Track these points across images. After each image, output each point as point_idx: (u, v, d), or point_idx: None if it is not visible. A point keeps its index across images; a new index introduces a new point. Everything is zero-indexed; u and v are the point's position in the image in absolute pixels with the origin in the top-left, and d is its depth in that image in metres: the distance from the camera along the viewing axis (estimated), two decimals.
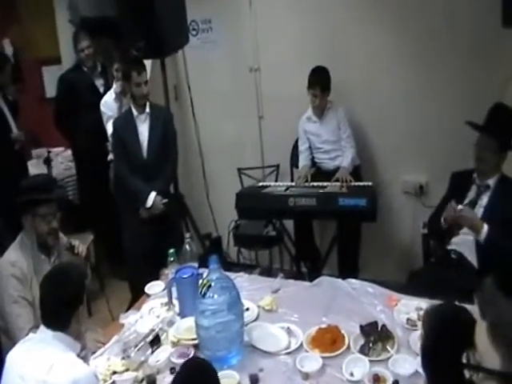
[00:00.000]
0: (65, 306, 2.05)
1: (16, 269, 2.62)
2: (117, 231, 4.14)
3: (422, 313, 2.37)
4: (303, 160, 4.21)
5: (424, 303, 2.45)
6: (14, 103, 4.96)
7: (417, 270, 3.25)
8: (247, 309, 2.64)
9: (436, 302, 2.38)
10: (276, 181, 4.45)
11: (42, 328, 2.05)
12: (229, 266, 4.20)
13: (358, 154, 4.08)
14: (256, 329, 2.52)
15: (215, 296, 2.31)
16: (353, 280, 2.79)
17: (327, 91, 3.97)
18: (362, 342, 2.29)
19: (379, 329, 2.31)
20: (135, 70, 3.83)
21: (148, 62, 4.15)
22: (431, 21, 3.82)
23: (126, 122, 3.97)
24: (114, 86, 4.44)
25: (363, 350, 2.23)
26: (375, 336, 2.26)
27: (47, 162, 4.86)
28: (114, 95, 4.42)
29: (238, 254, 4.59)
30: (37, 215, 2.71)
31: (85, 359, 2.18)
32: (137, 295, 3.34)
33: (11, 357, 2.06)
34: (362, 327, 2.34)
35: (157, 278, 3.09)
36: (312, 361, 2.23)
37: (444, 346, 1.45)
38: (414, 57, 3.93)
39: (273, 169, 4.56)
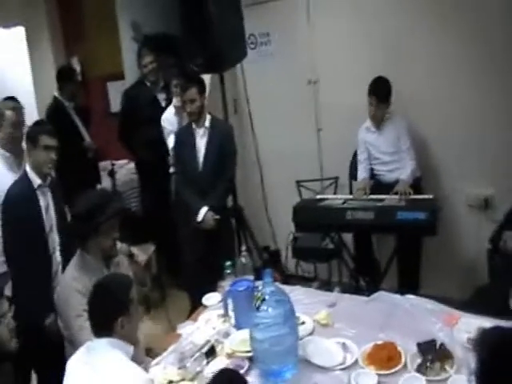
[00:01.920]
0: (104, 315, 2.12)
1: (78, 283, 2.62)
2: (177, 243, 4.21)
3: None
4: (362, 171, 4.17)
5: (487, 322, 2.35)
6: (85, 113, 5.18)
7: (482, 287, 3.14)
8: (302, 322, 2.62)
9: (499, 321, 2.34)
10: (335, 193, 4.42)
11: (95, 339, 2.12)
12: (287, 278, 4.21)
13: (419, 165, 4.00)
14: (311, 343, 2.49)
15: (269, 309, 2.30)
16: (411, 296, 2.71)
17: (384, 102, 3.93)
18: (419, 360, 2.22)
19: (437, 347, 2.24)
20: (181, 87, 3.95)
21: (207, 77, 4.23)
22: (491, 31, 3.74)
23: (185, 135, 4.06)
24: (174, 100, 4.52)
25: (420, 369, 2.16)
26: (433, 355, 2.19)
27: (111, 174, 5.03)
28: (173, 110, 4.51)
29: (296, 266, 4.57)
30: (99, 234, 2.69)
31: (145, 370, 2.22)
32: (195, 304, 3.40)
33: (71, 366, 2.14)
34: (419, 345, 2.27)
35: (214, 289, 3.12)
36: (367, 377, 2.18)
37: (500, 372, 1.40)
38: (475, 67, 3.85)
39: (331, 181, 4.53)
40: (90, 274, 2.66)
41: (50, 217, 3.12)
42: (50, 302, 2.97)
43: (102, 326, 2.10)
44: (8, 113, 3.62)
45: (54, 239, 3.15)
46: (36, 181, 3.07)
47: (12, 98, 4.12)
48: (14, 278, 3.07)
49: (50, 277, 3.12)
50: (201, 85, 3.97)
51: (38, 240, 3.06)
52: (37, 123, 3.24)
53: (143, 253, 3.24)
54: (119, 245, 2.93)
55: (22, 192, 3.05)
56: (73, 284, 2.63)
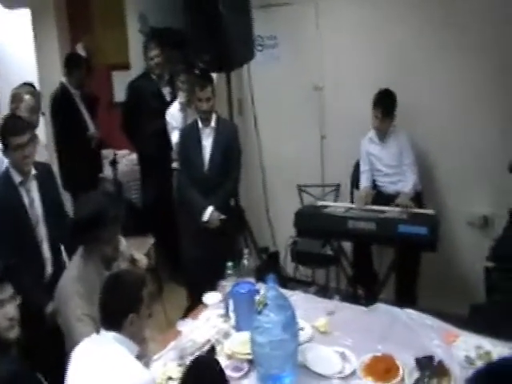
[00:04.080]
0: (116, 309, 2.12)
1: (79, 286, 2.58)
2: (177, 236, 4.23)
3: (481, 352, 2.34)
4: (364, 181, 4.19)
5: (485, 341, 2.41)
6: (92, 101, 5.20)
7: (479, 305, 3.19)
8: (302, 328, 2.65)
9: (497, 340, 2.39)
10: (335, 200, 4.45)
11: (103, 331, 2.13)
12: (285, 281, 4.24)
13: (421, 180, 4.03)
14: (310, 350, 2.53)
15: (271, 314, 2.33)
16: (410, 310, 2.75)
17: (389, 116, 3.95)
18: (416, 375, 2.26)
19: (435, 364, 2.28)
20: (199, 84, 3.90)
21: (214, 75, 4.23)
22: (497, 44, 3.77)
23: (190, 134, 4.05)
24: (179, 96, 4.53)
25: None
26: (431, 371, 2.24)
27: (113, 163, 5.04)
28: (179, 106, 4.51)
29: (294, 269, 4.59)
30: (100, 241, 2.64)
31: (146, 366, 2.24)
32: (193, 302, 3.43)
33: (74, 357, 2.15)
34: (417, 360, 2.32)
35: (214, 288, 3.14)
36: None
37: None
38: (480, 82, 3.88)
39: (333, 188, 4.56)
40: (91, 276, 2.63)
41: (35, 211, 3.12)
42: (45, 292, 3.01)
43: (112, 319, 2.11)
44: (26, 97, 3.67)
45: (41, 230, 3.15)
46: (17, 178, 3.07)
47: (30, 84, 4.12)
48: (5, 271, 3.08)
49: (40, 269, 3.14)
50: (213, 83, 3.98)
51: (24, 235, 3.06)
52: (4, 122, 3.17)
53: (143, 246, 3.21)
54: (122, 247, 2.90)
55: (4, 191, 3.06)
56: (74, 286, 2.59)
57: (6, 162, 3.19)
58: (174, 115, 4.52)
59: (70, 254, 2.95)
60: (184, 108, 4.46)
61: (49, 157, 5.10)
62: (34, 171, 3.14)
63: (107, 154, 5.47)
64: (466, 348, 2.41)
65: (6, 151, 3.07)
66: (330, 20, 4.48)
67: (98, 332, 2.17)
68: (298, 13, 4.61)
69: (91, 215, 2.59)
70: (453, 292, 4.02)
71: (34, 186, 3.15)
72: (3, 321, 2.17)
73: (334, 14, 4.46)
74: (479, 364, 2.25)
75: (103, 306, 2.15)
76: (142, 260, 3.08)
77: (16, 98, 3.73)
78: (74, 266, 2.72)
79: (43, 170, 3.24)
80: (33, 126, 3.70)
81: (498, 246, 3.16)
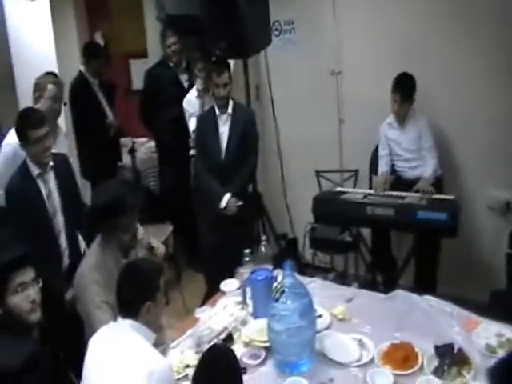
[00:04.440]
0: (133, 297, 2.13)
1: (97, 274, 2.59)
2: (195, 224, 4.24)
3: (502, 339, 2.30)
4: (383, 165, 4.15)
5: (506, 329, 2.37)
6: (110, 90, 5.21)
7: (500, 291, 3.14)
8: (320, 316, 2.64)
9: None
10: (354, 186, 4.41)
11: (120, 319, 2.14)
12: (304, 267, 4.23)
13: (441, 164, 3.97)
14: (328, 337, 2.52)
15: (288, 302, 2.33)
16: (430, 297, 2.72)
17: (408, 100, 3.89)
18: (436, 363, 2.23)
19: (455, 352, 2.25)
20: (216, 71, 3.88)
21: (231, 62, 4.21)
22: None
23: (207, 121, 4.05)
24: (197, 83, 4.51)
25: (437, 372, 2.17)
26: (450, 359, 2.20)
27: (131, 151, 5.06)
28: (196, 93, 4.50)
29: (313, 256, 4.58)
30: (118, 229, 2.65)
31: (164, 354, 2.25)
32: (211, 288, 3.43)
33: (92, 345, 2.17)
34: (436, 348, 2.28)
35: (232, 275, 3.14)
36: (383, 377, 2.20)
37: None
38: (501, 64, 3.79)
39: (351, 173, 4.52)
40: (109, 264, 2.65)
41: (52, 202, 3.15)
42: (63, 280, 3.07)
43: (129, 306, 2.12)
44: (50, 86, 3.70)
45: (59, 221, 3.18)
46: (35, 170, 3.09)
47: (53, 74, 4.15)
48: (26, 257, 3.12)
49: (58, 258, 3.18)
50: (230, 69, 3.97)
51: (42, 226, 3.10)
52: (21, 116, 3.16)
53: (161, 233, 3.22)
54: (140, 235, 2.91)
55: (22, 182, 3.09)
56: (92, 274, 2.60)
57: (21, 155, 3.21)
58: (191, 102, 4.51)
59: (89, 243, 2.97)
60: (201, 95, 4.45)
61: (69, 145, 5.17)
62: (51, 163, 3.16)
63: (125, 142, 5.49)
64: (487, 335, 2.36)
65: (24, 145, 3.07)
66: (347, 4, 4.42)
67: (115, 319, 2.18)
68: None
69: (109, 203, 2.60)
70: (473, 278, 3.97)
71: (51, 177, 3.18)
72: (25, 304, 2.19)
73: None
74: (500, 352, 2.22)
75: (120, 294, 2.16)
76: (160, 248, 3.08)
77: (39, 87, 3.74)
78: (92, 254, 2.73)
79: (60, 161, 3.26)
80: (55, 115, 3.78)
81: None
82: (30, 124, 3.04)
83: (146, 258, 2.75)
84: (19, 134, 3.09)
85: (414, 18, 4.08)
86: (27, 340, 2.18)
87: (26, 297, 2.19)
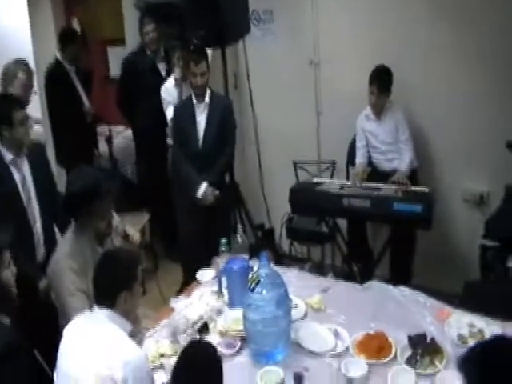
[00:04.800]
0: (110, 286, 2.12)
1: (72, 262, 2.58)
2: (172, 212, 4.23)
3: (473, 330, 2.34)
4: (360, 157, 4.16)
5: (477, 320, 2.41)
6: (87, 77, 5.15)
7: (473, 283, 3.19)
8: (295, 305, 2.66)
9: (490, 319, 2.39)
10: (331, 177, 4.43)
11: (96, 308, 2.13)
12: (280, 257, 4.25)
13: (416, 157, 4.01)
14: (303, 327, 2.55)
15: (264, 292, 2.35)
16: (403, 288, 2.77)
17: (385, 92, 3.92)
18: (409, 352, 2.27)
19: (428, 341, 2.29)
20: (193, 59, 3.86)
21: (209, 51, 4.20)
22: (492, 21, 3.72)
23: (185, 110, 4.03)
24: (174, 72, 4.48)
25: (410, 362, 2.22)
26: (423, 348, 2.24)
27: (109, 140, 5.02)
28: (174, 81, 4.46)
29: (290, 246, 4.60)
30: (93, 216, 2.64)
31: (139, 344, 2.24)
32: (188, 278, 3.43)
33: (67, 333, 2.16)
34: (410, 337, 2.33)
35: (208, 264, 3.14)
36: (357, 366, 2.23)
37: None
38: (476, 59, 3.83)
39: (328, 165, 4.53)
40: (84, 252, 2.64)
41: (27, 189, 3.10)
42: (38, 268, 3.03)
43: (106, 296, 2.10)
44: (20, 74, 3.63)
45: (34, 210, 3.14)
46: (8, 156, 3.03)
47: (22, 61, 4.07)
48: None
49: (32, 247, 3.13)
50: (207, 58, 3.95)
51: (16, 214, 3.04)
52: (2, 100, 3.14)
53: (138, 222, 3.21)
54: (115, 223, 2.90)
55: None
56: (67, 262, 2.59)
57: None
58: (169, 90, 4.48)
59: (63, 232, 2.94)
60: (179, 83, 4.42)
61: (44, 132, 5.11)
62: (24, 149, 3.11)
63: (102, 130, 5.45)
64: (459, 326, 2.42)
65: (7, 128, 2.98)
66: None
67: (91, 307, 2.17)
68: None
69: (84, 189, 2.59)
70: (448, 270, 4.02)
71: (25, 164, 3.12)
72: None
73: None
74: (471, 342, 2.26)
75: (96, 283, 2.15)
76: (135, 235, 3.08)
77: (8, 75, 3.68)
78: (66, 241, 2.72)
79: (34, 149, 3.21)
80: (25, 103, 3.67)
81: (493, 223, 3.15)
82: (13, 106, 3.00)
83: (123, 247, 2.74)
84: (2, 118, 2.99)
85: (391, 10, 4.09)
86: (2, 329, 2.15)
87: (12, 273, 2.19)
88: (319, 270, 3.71)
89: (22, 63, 3.96)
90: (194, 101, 3.97)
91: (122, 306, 2.10)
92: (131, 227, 3.14)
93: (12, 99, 3.09)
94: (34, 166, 3.15)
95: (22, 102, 3.08)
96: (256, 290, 2.36)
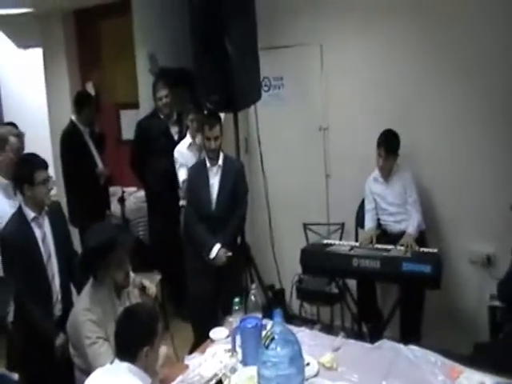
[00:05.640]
0: (132, 342, 2.18)
1: (91, 314, 2.65)
2: (182, 273, 4.27)
3: None
4: (369, 221, 4.26)
5: (487, 378, 2.43)
6: (100, 139, 5.30)
7: (483, 343, 3.20)
8: (308, 364, 2.67)
9: (500, 378, 2.41)
10: (340, 239, 4.51)
11: (116, 360, 2.17)
12: (290, 318, 4.24)
13: (424, 218, 4.09)
14: None
15: (278, 349, 2.36)
16: (415, 347, 2.77)
17: (393, 154, 4.05)
18: None
19: None
20: (207, 123, 3.98)
21: (221, 115, 4.32)
22: (500, 84, 3.87)
23: (199, 172, 4.12)
24: (188, 135, 4.61)
25: None
26: None
27: (121, 200, 5.11)
28: (187, 143, 4.59)
29: (300, 307, 4.62)
30: (111, 266, 2.74)
31: None
32: (198, 337, 3.44)
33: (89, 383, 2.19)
34: None
35: (218, 324, 3.17)
36: None
37: None
38: (482, 123, 3.97)
39: (338, 226, 4.62)
40: (102, 304, 2.72)
41: (47, 246, 3.20)
42: (54, 324, 3.08)
43: (128, 350, 2.16)
44: (12, 139, 3.66)
45: (53, 266, 3.21)
46: (30, 214, 3.14)
47: (12, 124, 4.17)
48: (16, 304, 3.13)
49: (50, 303, 3.19)
50: (221, 122, 4.08)
51: (36, 270, 3.13)
52: (26, 159, 3.25)
53: (150, 282, 3.28)
54: (132, 277, 2.99)
55: (16, 227, 3.12)
56: (86, 315, 2.66)
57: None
58: (182, 152, 4.58)
59: (79, 291, 3.00)
60: (199, 149, 4.50)
61: (58, 193, 5.21)
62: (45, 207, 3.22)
63: (115, 190, 5.56)
64: None
65: (29, 187, 3.09)
66: (335, 62, 4.62)
67: (113, 356, 2.22)
68: (304, 54, 4.76)
69: (102, 241, 2.70)
70: (457, 331, 4.05)
71: (46, 222, 3.22)
72: None
73: (339, 55, 4.60)
74: None
75: (118, 339, 2.22)
76: (151, 288, 3.14)
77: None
78: (84, 296, 2.78)
79: (53, 207, 3.32)
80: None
81: (504, 285, 3.18)
82: (36, 165, 3.12)
83: (142, 302, 2.80)
84: (25, 177, 3.11)
85: (399, 75, 4.28)
86: None
87: None
88: (329, 331, 3.71)
89: (11, 126, 4.02)
90: (208, 164, 4.07)
91: (143, 360, 2.15)
92: (147, 280, 3.20)
93: (36, 159, 3.19)
94: (53, 224, 3.25)
95: (46, 163, 3.18)
96: (271, 347, 2.39)
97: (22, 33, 6.78)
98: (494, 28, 3.85)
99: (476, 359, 2.86)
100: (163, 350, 2.54)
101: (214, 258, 3.96)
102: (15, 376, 2.30)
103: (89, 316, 2.64)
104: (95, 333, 2.60)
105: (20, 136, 3.85)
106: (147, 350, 2.15)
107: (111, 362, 2.21)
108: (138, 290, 3.08)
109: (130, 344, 2.17)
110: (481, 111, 3.98)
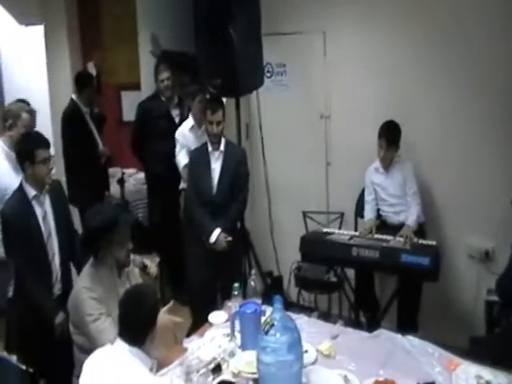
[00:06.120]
0: (142, 325, 2.20)
1: (92, 293, 2.68)
2: (181, 256, 4.28)
3: (481, 381, 2.39)
4: (369, 211, 4.26)
5: (485, 371, 2.45)
6: (100, 120, 5.28)
7: (479, 337, 3.23)
8: (306, 351, 2.69)
9: (498, 371, 2.44)
10: (340, 228, 4.51)
11: (119, 341, 2.18)
12: (288, 305, 4.25)
13: (424, 211, 4.10)
14: (314, 372, 2.56)
15: (277, 335, 2.38)
16: (412, 338, 2.79)
17: (393, 145, 4.05)
18: None
19: None
20: (210, 108, 3.97)
21: (223, 99, 4.31)
22: (501, 81, 3.87)
23: (200, 156, 4.11)
24: (190, 117, 4.60)
25: None
26: None
27: (121, 182, 5.10)
28: (189, 126, 4.58)
29: (298, 294, 4.63)
30: (113, 245, 2.77)
31: None
32: (196, 321, 3.46)
33: (89, 366, 2.21)
34: None
35: (217, 308, 3.19)
36: None
37: None
38: (486, 116, 3.97)
39: (337, 215, 4.63)
40: (103, 283, 2.75)
41: (47, 224, 3.20)
42: (54, 303, 3.10)
43: (136, 337, 2.19)
44: (24, 115, 3.67)
45: (53, 245, 3.22)
46: (31, 192, 3.14)
47: (24, 101, 4.17)
48: (16, 282, 3.14)
49: (50, 282, 3.20)
50: (224, 107, 4.07)
51: (36, 248, 3.14)
52: (28, 137, 3.25)
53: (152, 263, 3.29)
54: (132, 256, 3.00)
55: (17, 204, 3.12)
56: (86, 293, 2.68)
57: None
58: (184, 133, 4.57)
59: (79, 270, 3.02)
60: (199, 125, 4.50)
61: (56, 172, 5.20)
62: (46, 186, 3.22)
63: (114, 172, 5.55)
64: (467, 377, 2.44)
65: (30, 165, 3.10)
66: (337, 49, 4.60)
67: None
68: (307, 41, 4.74)
69: (105, 220, 2.72)
70: (453, 323, 4.07)
71: (47, 200, 3.23)
72: None
73: (341, 43, 4.58)
74: None
75: (124, 324, 2.23)
76: (152, 267, 3.16)
77: (12, 115, 3.68)
78: (85, 276, 2.81)
79: (54, 186, 3.32)
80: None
81: (502, 280, 3.20)
82: (38, 144, 3.11)
83: (144, 285, 2.81)
84: (26, 154, 3.11)
85: (403, 67, 4.26)
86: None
87: None
88: (326, 318, 3.73)
89: (24, 103, 4.02)
90: (210, 148, 4.06)
91: (149, 344, 2.17)
92: (148, 260, 3.21)
93: (38, 137, 3.19)
94: (54, 203, 3.26)
95: (48, 142, 3.17)
96: (270, 332, 2.40)
97: (23, 9, 6.72)
98: (502, 15, 3.81)
99: (472, 353, 2.89)
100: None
101: (214, 243, 3.97)
102: (13, 358, 2.31)
103: (90, 294, 2.67)
104: (97, 310, 2.63)
105: (32, 113, 3.85)
106: (151, 335, 2.16)
107: (112, 342, 2.21)
108: (139, 269, 3.09)
109: (138, 331, 2.19)
110: (483, 103, 3.97)
